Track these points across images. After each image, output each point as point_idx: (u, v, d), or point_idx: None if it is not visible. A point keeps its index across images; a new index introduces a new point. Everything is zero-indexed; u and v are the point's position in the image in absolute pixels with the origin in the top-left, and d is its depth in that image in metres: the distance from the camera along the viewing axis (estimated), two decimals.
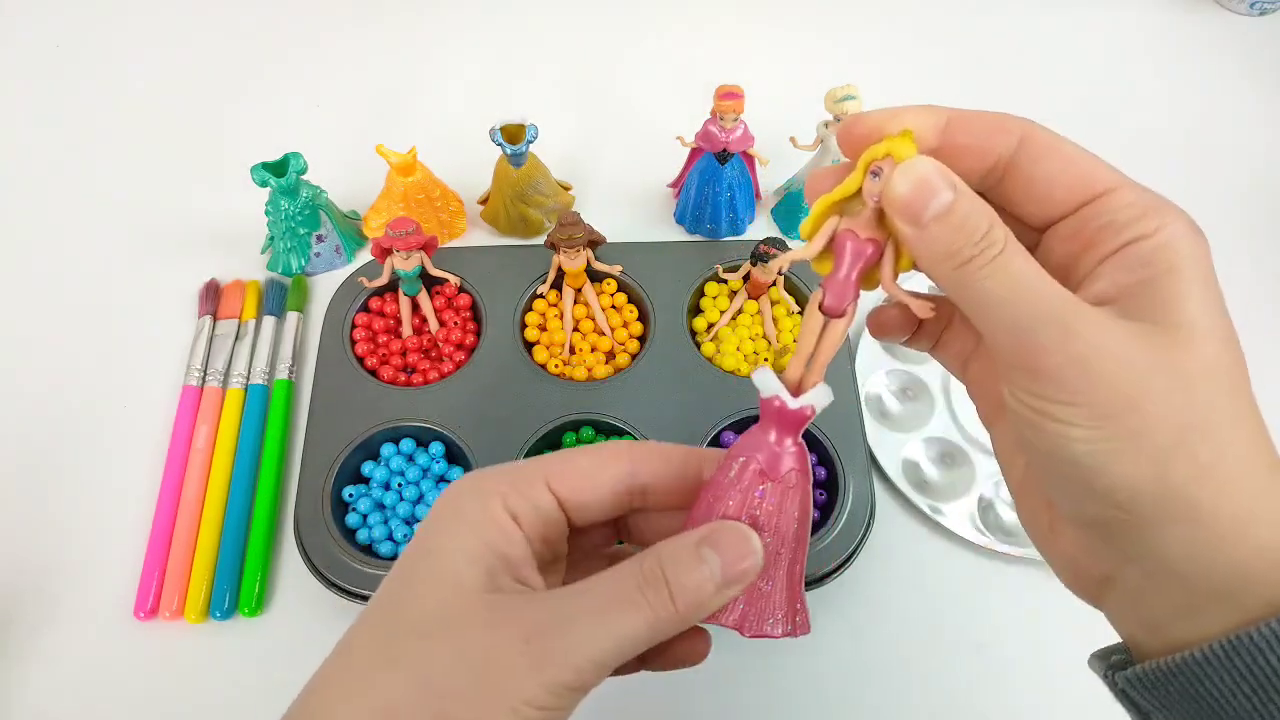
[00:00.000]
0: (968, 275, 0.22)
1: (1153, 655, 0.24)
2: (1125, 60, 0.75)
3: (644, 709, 0.47)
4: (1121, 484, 0.22)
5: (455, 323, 0.56)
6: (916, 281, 0.57)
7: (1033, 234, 0.26)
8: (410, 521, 0.50)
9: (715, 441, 0.53)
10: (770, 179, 0.65)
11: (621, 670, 0.27)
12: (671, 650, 0.29)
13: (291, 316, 0.59)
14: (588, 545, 0.31)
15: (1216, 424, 0.22)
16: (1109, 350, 0.22)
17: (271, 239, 0.60)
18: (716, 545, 0.26)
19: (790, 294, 0.57)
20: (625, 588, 0.25)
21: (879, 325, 0.29)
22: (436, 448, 0.52)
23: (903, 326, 0.29)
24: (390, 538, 0.49)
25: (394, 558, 0.48)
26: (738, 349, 0.56)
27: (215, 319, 0.58)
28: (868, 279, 0.26)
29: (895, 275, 0.26)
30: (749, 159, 0.61)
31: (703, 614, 0.26)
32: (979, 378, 0.29)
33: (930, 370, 0.57)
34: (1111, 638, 0.27)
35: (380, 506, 0.50)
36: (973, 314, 0.23)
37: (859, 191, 0.25)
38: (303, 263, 0.60)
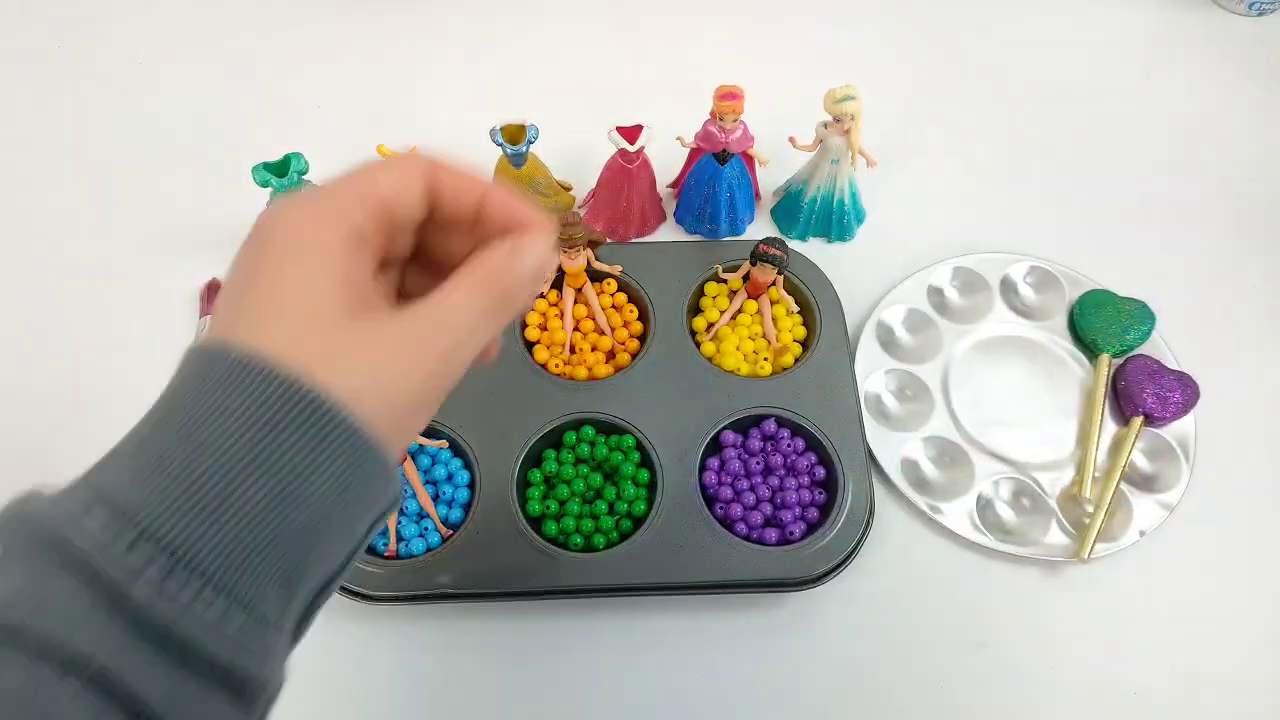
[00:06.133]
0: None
1: None
2: (1124, 60, 0.75)
3: (640, 710, 0.48)
4: None
5: None
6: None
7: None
8: (419, 519, 0.50)
9: (715, 441, 0.53)
10: (770, 179, 0.65)
11: None
12: None
13: None
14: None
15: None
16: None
17: None
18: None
19: (790, 293, 0.58)
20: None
21: None
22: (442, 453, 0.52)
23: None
24: (387, 533, 0.49)
25: (394, 556, 0.48)
26: (738, 349, 0.56)
27: None
28: None
29: None
30: (749, 159, 0.61)
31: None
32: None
33: (930, 370, 0.57)
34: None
35: None
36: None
37: None
38: None
